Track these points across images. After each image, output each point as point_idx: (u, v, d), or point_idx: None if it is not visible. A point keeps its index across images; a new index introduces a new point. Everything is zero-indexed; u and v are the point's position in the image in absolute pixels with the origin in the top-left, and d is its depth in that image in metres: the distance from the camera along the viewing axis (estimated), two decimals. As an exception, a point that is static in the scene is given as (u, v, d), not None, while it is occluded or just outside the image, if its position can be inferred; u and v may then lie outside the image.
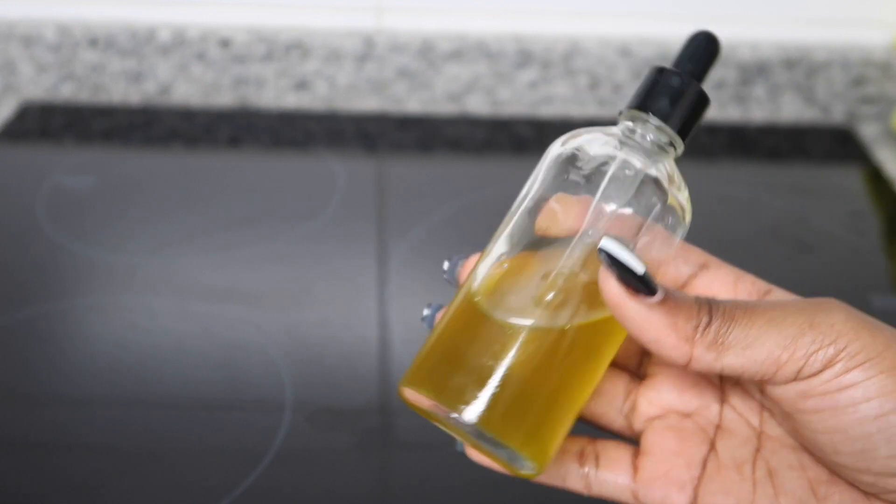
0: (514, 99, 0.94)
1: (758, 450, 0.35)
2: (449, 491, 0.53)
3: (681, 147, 0.34)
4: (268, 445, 0.56)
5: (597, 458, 0.36)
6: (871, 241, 0.78)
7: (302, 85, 0.94)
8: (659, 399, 0.37)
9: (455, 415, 0.33)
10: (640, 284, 0.29)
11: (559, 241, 0.33)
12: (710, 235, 0.78)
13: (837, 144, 0.93)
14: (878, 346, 0.29)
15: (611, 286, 0.30)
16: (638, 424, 0.38)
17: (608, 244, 0.29)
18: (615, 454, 0.36)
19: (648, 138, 0.34)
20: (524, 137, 0.91)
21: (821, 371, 0.29)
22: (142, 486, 0.53)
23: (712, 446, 0.35)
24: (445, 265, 0.37)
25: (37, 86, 0.95)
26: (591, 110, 0.95)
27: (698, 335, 0.30)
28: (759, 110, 0.95)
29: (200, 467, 0.55)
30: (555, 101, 0.94)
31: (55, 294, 0.69)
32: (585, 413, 0.39)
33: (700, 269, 0.37)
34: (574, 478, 0.36)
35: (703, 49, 0.34)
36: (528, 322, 0.33)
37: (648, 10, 0.94)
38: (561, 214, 0.33)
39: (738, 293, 0.36)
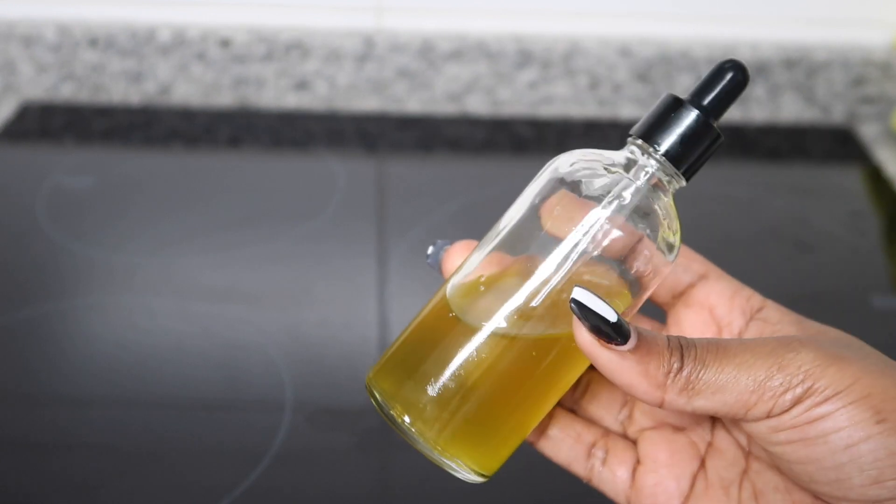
0: (514, 99, 0.94)
1: (745, 471, 0.36)
2: (449, 491, 0.53)
3: (683, 183, 0.34)
4: (268, 445, 0.56)
5: (605, 454, 0.37)
6: (871, 241, 0.78)
7: (302, 85, 0.94)
8: (654, 411, 0.38)
9: (406, 419, 0.34)
10: (612, 332, 0.30)
11: (546, 250, 0.33)
12: (710, 235, 0.78)
13: (837, 144, 0.93)
14: (847, 380, 0.30)
15: (583, 336, 0.31)
16: (633, 433, 0.38)
17: (579, 294, 0.31)
18: (622, 456, 0.37)
19: (652, 171, 0.34)
20: (524, 137, 0.91)
21: (789, 408, 0.30)
22: (142, 486, 0.53)
23: (702, 464, 0.36)
24: (430, 249, 0.38)
25: (37, 86, 0.95)
26: (591, 110, 0.95)
27: (669, 381, 0.31)
28: (759, 110, 0.95)
29: (200, 467, 0.55)
30: (555, 101, 0.94)
31: (55, 294, 0.69)
32: (584, 415, 0.39)
33: (699, 279, 0.38)
34: (579, 465, 0.37)
35: (729, 83, 0.33)
36: (493, 327, 0.33)
37: (648, 10, 0.94)
38: (560, 213, 0.34)
39: (733, 307, 0.36)
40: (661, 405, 0.31)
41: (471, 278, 0.35)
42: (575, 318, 0.31)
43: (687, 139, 0.33)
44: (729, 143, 0.92)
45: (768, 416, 0.30)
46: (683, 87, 0.93)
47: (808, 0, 0.93)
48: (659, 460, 0.36)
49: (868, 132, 0.94)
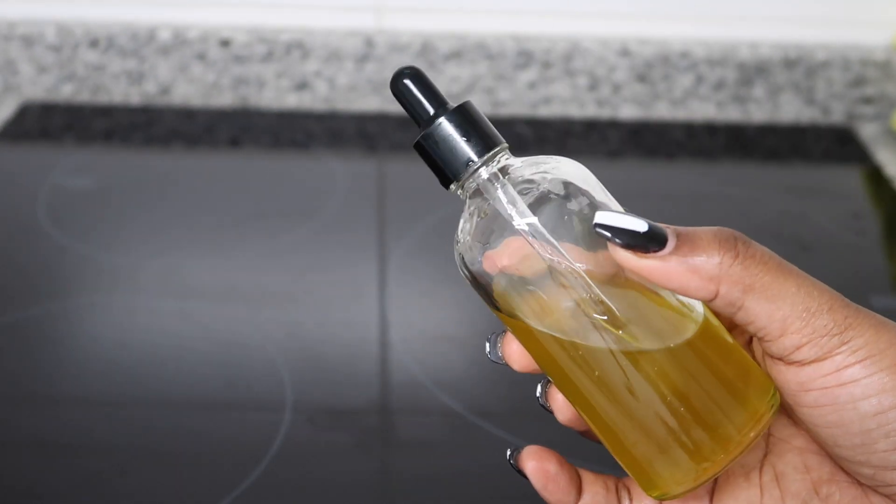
0: (514, 99, 0.94)
1: (766, 455, 0.36)
2: (449, 491, 0.53)
3: (499, 147, 0.34)
4: (268, 445, 0.56)
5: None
6: (871, 241, 0.78)
7: (302, 85, 0.94)
8: None
9: (716, 469, 0.32)
10: (649, 241, 0.30)
11: (548, 283, 0.33)
12: (709, 235, 0.78)
13: (837, 144, 0.93)
14: (882, 344, 0.29)
15: (621, 255, 0.30)
16: None
17: (601, 218, 0.30)
18: None
19: (484, 178, 0.34)
20: (524, 137, 0.91)
21: (819, 360, 0.30)
22: (142, 486, 0.53)
23: None
24: (487, 347, 0.37)
25: (37, 86, 0.95)
26: (590, 110, 0.95)
27: (723, 271, 0.30)
28: (758, 110, 0.95)
29: (200, 467, 0.55)
30: (554, 101, 0.94)
31: (55, 294, 0.69)
32: None
33: None
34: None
35: (416, 89, 0.34)
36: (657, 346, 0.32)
37: (648, 10, 0.94)
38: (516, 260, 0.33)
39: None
40: (714, 298, 0.30)
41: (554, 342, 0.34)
42: (609, 244, 0.31)
43: (448, 146, 0.33)
44: (729, 143, 0.92)
45: (796, 350, 0.30)
46: (683, 87, 0.93)
47: (808, 0, 0.93)
48: None
49: (868, 132, 0.94)
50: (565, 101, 0.94)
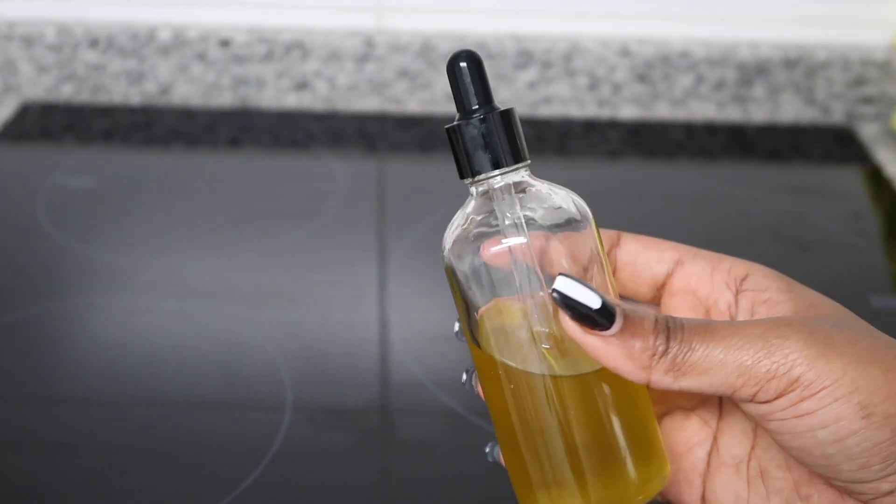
0: (514, 99, 0.94)
1: (753, 447, 0.36)
2: (449, 490, 0.53)
3: (524, 164, 0.34)
4: (268, 445, 0.56)
5: None
6: (871, 241, 0.78)
7: (302, 85, 0.94)
8: (663, 398, 0.38)
9: None
10: (598, 318, 0.31)
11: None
12: (709, 235, 0.78)
13: (837, 144, 0.93)
14: (834, 374, 0.29)
15: (567, 324, 0.31)
16: None
17: (560, 284, 0.31)
18: None
19: (498, 185, 0.34)
20: (524, 137, 0.91)
21: (776, 398, 0.30)
22: (142, 486, 0.53)
23: (715, 441, 0.36)
24: (463, 377, 0.38)
25: (37, 86, 0.95)
26: (590, 110, 0.95)
27: (654, 363, 0.31)
28: (758, 110, 0.95)
29: (200, 467, 0.55)
30: (554, 101, 0.94)
31: (55, 294, 0.69)
32: None
33: (676, 266, 0.37)
34: None
35: (470, 77, 0.34)
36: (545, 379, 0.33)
37: (648, 10, 0.94)
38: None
39: (715, 284, 0.36)
40: (647, 384, 0.31)
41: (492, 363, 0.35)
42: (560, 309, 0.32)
43: (480, 145, 0.33)
44: (729, 143, 0.92)
45: (753, 399, 0.30)
46: (683, 87, 0.93)
47: (808, 0, 0.93)
48: (675, 451, 0.37)
49: (868, 132, 0.94)
50: (565, 101, 0.94)
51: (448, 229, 0.35)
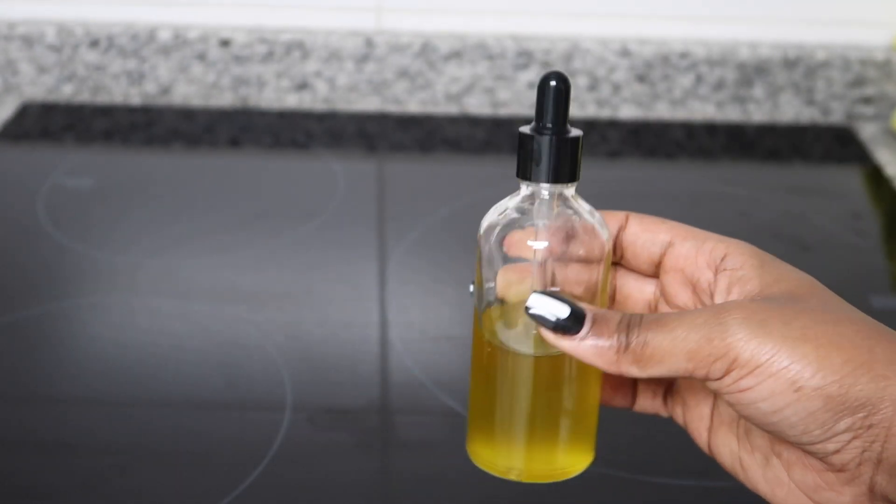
0: (514, 99, 0.95)
1: None
2: (449, 491, 0.53)
3: (573, 183, 0.40)
4: (268, 445, 0.56)
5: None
6: (871, 241, 0.78)
7: (302, 85, 0.95)
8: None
9: (511, 478, 0.42)
10: (569, 325, 0.36)
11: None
12: (709, 235, 0.78)
13: (837, 144, 0.93)
14: (767, 353, 0.34)
15: (544, 332, 0.37)
16: (660, 392, 0.43)
17: (531, 303, 0.37)
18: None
19: (546, 196, 0.39)
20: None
21: (723, 377, 0.34)
22: (142, 486, 0.53)
23: (715, 400, 0.41)
24: (471, 288, 0.42)
25: (37, 86, 0.95)
26: (590, 110, 0.95)
27: (620, 356, 0.36)
28: (758, 110, 0.95)
29: (200, 467, 0.55)
30: (555, 101, 0.94)
31: (55, 294, 0.69)
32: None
33: (667, 247, 0.41)
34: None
35: (554, 98, 0.39)
36: (528, 352, 0.39)
37: (648, 10, 0.94)
38: (515, 277, 0.40)
39: (699, 265, 0.40)
40: (621, 375, 0.36)
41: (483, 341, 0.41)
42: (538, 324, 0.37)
43: (556, 160, 0.39)
44: (729, 142, 0.92)
45: (707, 378, 0.35)
46: (683, 87, 0.93)
47: (807, 0, 0.93)
48: (688, 404, 0.42)
49: (868, 132, 0.94)
50: (565, 101, 0.94)
51: (492, 209, 0.40)
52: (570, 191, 0.40)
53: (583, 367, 0.39)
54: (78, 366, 0.63)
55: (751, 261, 0.38)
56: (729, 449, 0.40)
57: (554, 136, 0.39)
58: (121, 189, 0.83)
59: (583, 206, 0.40)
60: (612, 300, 0.43)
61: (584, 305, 0.36)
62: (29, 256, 0.74)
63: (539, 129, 0.39)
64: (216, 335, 0.65)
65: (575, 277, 0.39)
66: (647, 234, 0.41)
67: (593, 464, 0.42)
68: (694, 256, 0.40)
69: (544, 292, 0.37)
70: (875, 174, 0.88)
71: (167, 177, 0.86)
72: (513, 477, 0.42)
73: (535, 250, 0.39)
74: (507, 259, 0.40)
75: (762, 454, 0.38)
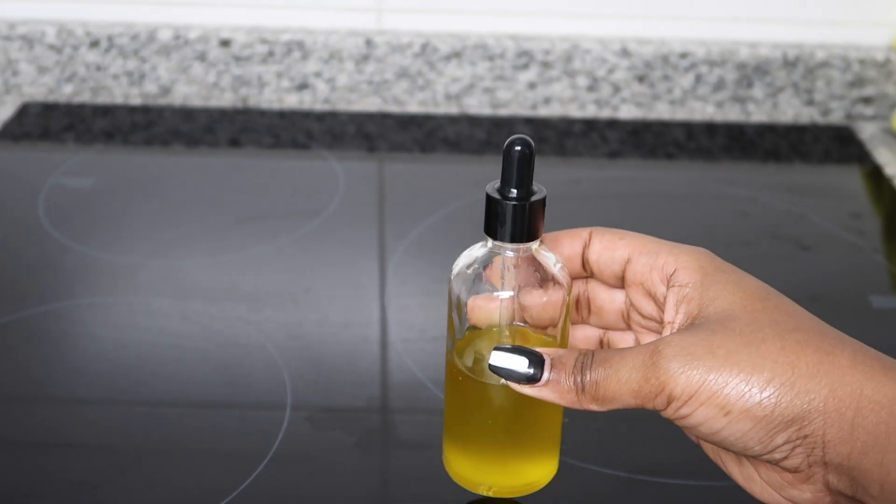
0: (514, 99, 0.95)
1: None
2: (449, 491, 0.53)
3: (537, 241, 0.42)
4: (268, 445, 0.56)
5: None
6: (871, 241, 0.78)
7: (302, 85, 0.95)
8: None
9: (481, 493, 0.46)
10: (529, 375, 0.39)
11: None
12: (709, 235, 0.78)
13: (837, 144, 0.93)
14: (695, 385, 0.36)
15: (512, 385, 0.40)
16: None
17: (493, 359, 0.39)
18: None
19: (508, 255, 0.42)
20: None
21: (665, 408, 0.37)
22: (142, 486, 0.53)
23: None
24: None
25: (37, 86, 0.95)
26: (590, 111, 0.95)
27: (579, 396, 0.39)
28: (758, 110, 0.95)
29: (200, 467, 0.55)
30: (554, 101, 0.94)
31: (55, 294, 0.69)
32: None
33: (627, 264, 0.43)
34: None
35: (518, 163, 0.40)
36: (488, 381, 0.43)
37: (648, 10, 0.94)
38: (483, 307, 0.43)
39: (654, 280, 0.42)
40: (579, 408, 0.39)
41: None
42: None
43: (519, 223, 0.41)
44: (728, 142, 0.92)
45: (655, 409, 0.38)
46: (683, 87, 0.93)
47: (807, 0, 0.93)
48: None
49: (868, 132, 0.94)
50: (565, 101, 0.94)
51: (463, 255, 0.43)
52: (534, 245, 0.42)
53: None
54: (78, 366, 0.63)
55: (694, 277, 0.40)
56: (714, 453, 0.42)
57: (517, 202, 0.40)
58: (121, 189, 0.83)
59: (546, 258, 0.42)
60: (588, 311, 0.46)
61: (542, 351, 0.39)
62: (29, 256, 0.74)
63: (504, 194, 0.41)
64: (216, 335, 0.65)
65: (536, 322, 0.43)
66: (607, 252, 0.44)
67: (558, 475, 0.46)
68: (649, 272, 0.42)
69: (505, 348, 0.39)
70: (875, 174, 0.88)
71: (167, 177, 0.86)
72: (482, 492, 0.45)
73: (499, 301, 0.42)
74: (468, 316, 0.43)
75: (735, 454, 0.40)
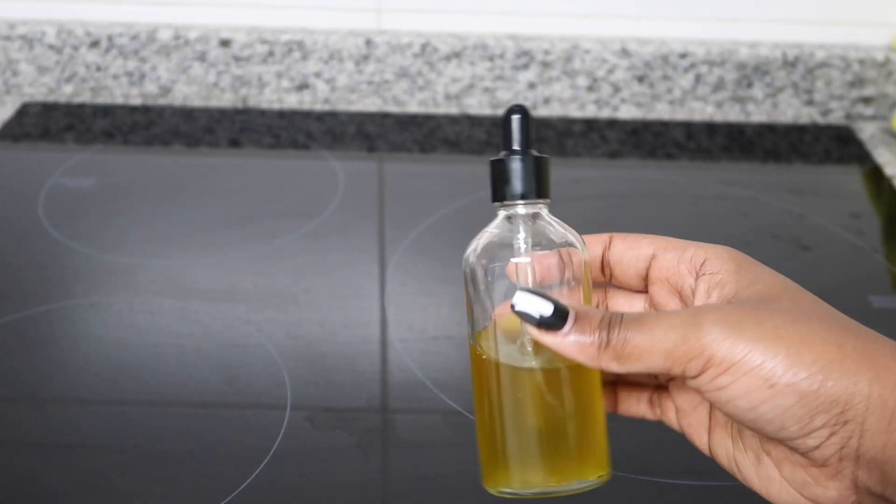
0: (514, 99, 0.95)
1: None
2: (449, 491, 0.53)
3: (545, 200, 0.42)
4: (268, 445, 0.56)
5: (659, 407, 0.44)
6: (871, 241, 0.78)
7: (302, 85, 0.95)
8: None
9: (543, 489, 0.41)
10: (553, 321, 0.37)
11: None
12: (709, 235, 0.78)
13: (837, 144, 0.93)
14: (739, 353, 0.35)
15: (529, 329, 0.38)
16: (644, 398, 0.45)
17: (517, 301, 0.38)
18: (667, 405, 0.44)
19: (521, 213, 0.42)
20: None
21: (700, 374, 0.36)
22: (142, 486, 0.53)
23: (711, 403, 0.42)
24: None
25: (37, 86, 0.95)
26: (590, 111, 0.95)
27: (601, 353, 0.37)
28: (758, 110, 0.95)
29: (201, 467, 0.55)
30: (554, 101, 0.94)
31: (55, 294, 0.69)
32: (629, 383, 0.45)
33: (652, 260, 0.43)
34: (650, 415, 0.44)
35: (519, 126, 0.41)
36: (533, 364, 0.40)
37: (648, 10, 0.94)
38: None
39: (681, 273, 0.41)
40: (601, 370, 0.38)
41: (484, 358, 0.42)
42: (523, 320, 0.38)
43: (516, 178, 0.41)
44: (728, 142, 0.93)
45: (684, 376, 0.36)
46: (683, 87, 0.93)
47: (807, 0, 0.93)
48: (685, 409, 0.43)
49: (867, 132, 0.94)
50: (565, 101, 0.94)
51: (473, 239, 0.42)
52: (543, 210, 0.42)
53: (586, 378, 0.41)
54: (78, 366, 0.63)
55: (727, 265, 0.40)
56: (725, 450, 0.41)
57: (522, 157, 0.41)
58: (121, 189, 0.83)
59: (557, 222, 0.42)
60: None
61: (567, 304, 0.38)
62: (29, 256, 0.74)
63: (507, 154, 0.41)
64: (216, 335, 0.65)
65: (556, 281, 0.41)
66: (631, 251, 0.43)
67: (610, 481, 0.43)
68: (676, 265, 0.42)
69: (529, 290, 0.38)
70: (875, 174, 0.88)
71: (167, 177, 0.86)
72: (537, 490, 0.41)
73: (517, 260, 0.41)
74: (492, 280, 0.42)
75: (754, 453, 0.39)
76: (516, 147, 0.42)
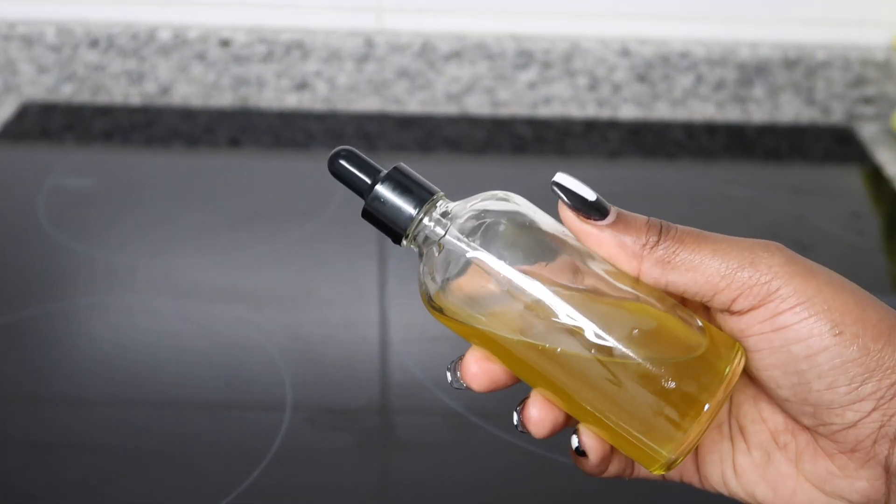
0: (514, 99, 0.94)
1: (729, 408, 0.39)
2: (449, 491, 0.53)
3: (436, 196, 0.38)
4: (268, 445, 0.56)
5: None
6: (871, 241, 0.78)
7: (302, 85, 0.95)
8: None
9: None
10: (593, 209, 0.34)
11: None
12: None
13: (837, 144, 0.93)
14: (810, 291, 0.33)
15: (566, 214, 0.35)
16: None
17: (560, 178, 0.35)
18: None
19: (425, 233, 0.38)
20: (524, 137, 0.91)
21: (755, 308, 0.33)
22: (142, 486, 0.53)
23: None
24: (448, 377, 0.40)
25: (37, 86, 0.95)
26: (590, 111, 0.95)
27: (645, 252, 0.34)
28: (758, 110, 0.95)
29: (201, 467, 0.55)
30: (554, 101, 0.94)
31: (55, 294, 0.69)
32: None
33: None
34: None
35: (348, 167, 0.39)
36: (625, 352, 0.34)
37: (648, 10, 0.94)
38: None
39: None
40: (637, 275, 0.34)
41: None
42: (560, 202, 0.35)
43: (395, 196, 0.38)
44: (729, 142, 0.92)
45: (731, 306, 0.33)
46: (683, 87, 0.93)
47: (807, 0, 0.93)
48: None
49: (868, 132, 0.94)
50: (565, 101, 0.94)
51: (421, 290, 0.38)
52: (444, 204, 0.39)
53: (646, 315, 0.35)
54: (78, 366, 0.63)
55: (776, 259, 0.37)
56: (719, 455, 0.38)
57: (378, 184, 0.38)
58: (121, 189, 0.83)
59: (462, 201, 0.39)
60: None
61: (606, 202, 0.35)
62: (29, 256, 0.74)
63: (367, 195, 0.38)
64: (216, 335, 0.65)
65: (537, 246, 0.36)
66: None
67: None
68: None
69: (568, 174, 0.35)
70: (875, 174, 0.88)
71: (167, 177, 0.86)
72: (699, 430, 0.35)
73: (482, 260, 0.36)
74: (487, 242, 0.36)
75: (762, 451, 0.37)
76: (367, 181, 0.38)
